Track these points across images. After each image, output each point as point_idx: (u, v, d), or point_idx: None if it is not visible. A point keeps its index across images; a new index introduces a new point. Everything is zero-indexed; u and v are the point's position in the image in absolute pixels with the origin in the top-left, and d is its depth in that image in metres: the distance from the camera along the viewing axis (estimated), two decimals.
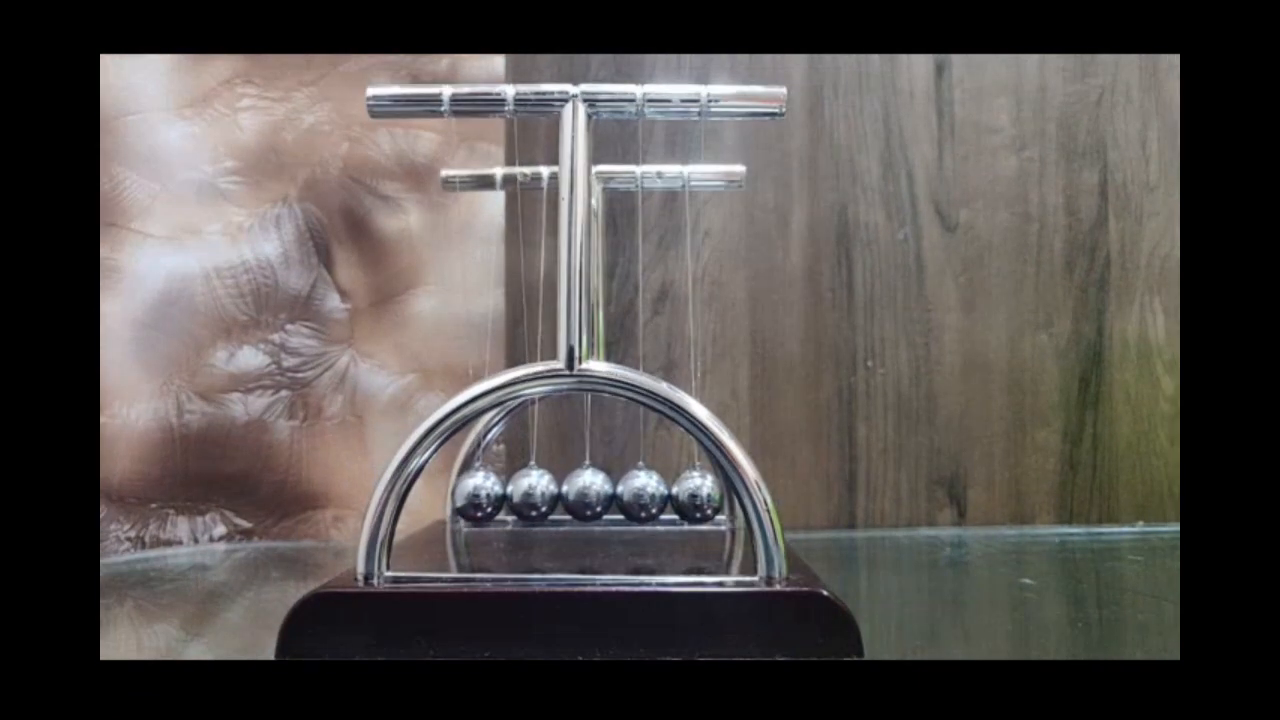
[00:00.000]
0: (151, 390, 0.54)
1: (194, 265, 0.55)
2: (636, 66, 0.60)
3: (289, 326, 0.56)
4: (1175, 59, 0.61)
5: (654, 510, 0.37)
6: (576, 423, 0.57)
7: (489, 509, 0.37)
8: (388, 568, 0.27)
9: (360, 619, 0.26)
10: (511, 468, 0.58)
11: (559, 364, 0.28)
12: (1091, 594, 0.43)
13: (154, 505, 0.54)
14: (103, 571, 0.46)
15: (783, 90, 0.31)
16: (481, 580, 0.28)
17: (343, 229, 0.57)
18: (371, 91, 0.32)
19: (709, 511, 0.37)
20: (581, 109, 0.30)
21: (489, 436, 0.43)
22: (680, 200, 0.59)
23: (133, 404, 0.54)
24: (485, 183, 0.45)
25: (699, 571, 0.30)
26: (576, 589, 0.27)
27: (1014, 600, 0.40)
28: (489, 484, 0.37)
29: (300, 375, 0.56)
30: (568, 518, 0.38)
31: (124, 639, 0.34)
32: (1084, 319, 0.61)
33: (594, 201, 0.32)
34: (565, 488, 0.37)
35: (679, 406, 0.27)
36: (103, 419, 0.53)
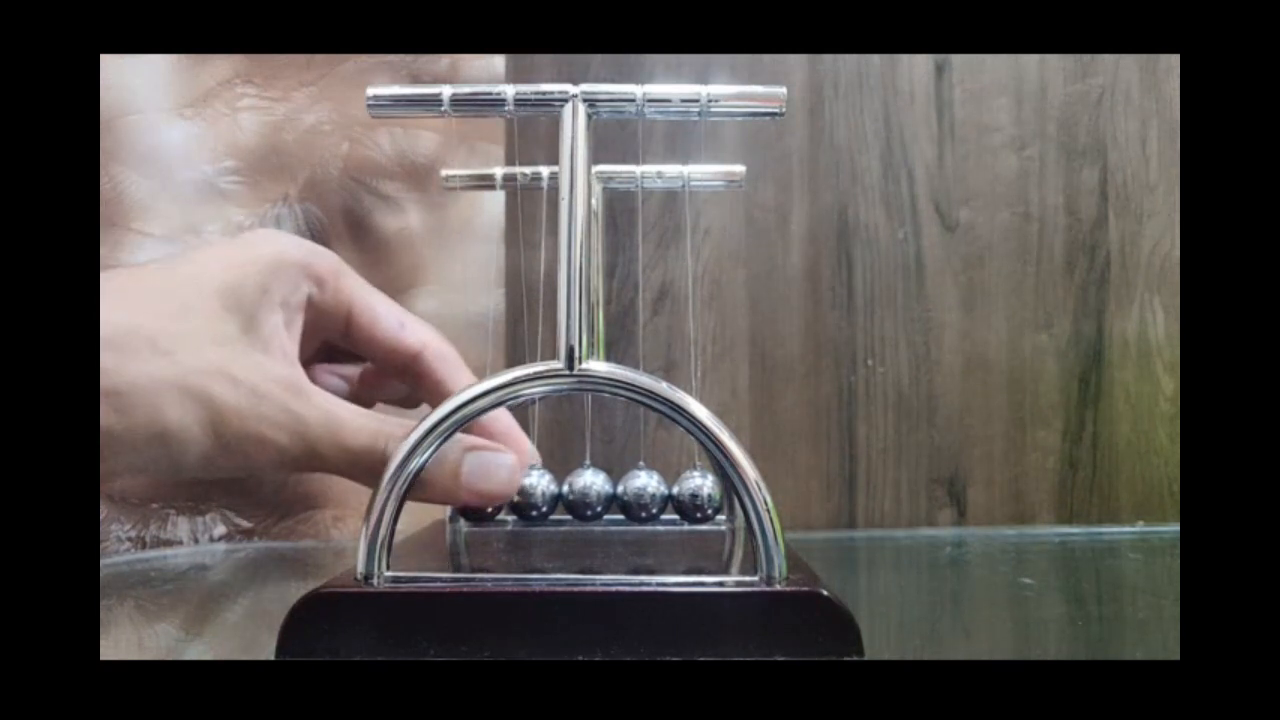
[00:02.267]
0: None
1: None
2: (636, 66, 0.60)
3: None
4: (1175, 59, 0.61)
5: (654, 510, 0.37)
6: (576, 423, 0.57)
7: (490, 509, 0.37)
8: (388, 568, 0.27)
9: (360, 619, 0.26)
10: None
11: (559, 364, 0.28)
12: (1091, 593, 0.43)
13: (154, 505, 0.54)
14: (103, 571, 0.46)
15: (783, 90, 0.31)
16: (481, 580, 0.28)
17: (343, 229, 0.57)
18: (371, 91, 0.31)
19: (709, 511, 0.37)
20: (581, 109, 0.30)
21: None
22: (680, 200, 0.59)
23: None
24: (485, 183, 0.44)
25: (699, 571, 0.30)
26: (576, 589, 0.27)
27: (1014, 600, 0.40)
28: None
29: None
30: (568, 518, 0.38)
31: (124, 639, 0.34)
32: (1084, 319, 0.61)
33: (594, 201, 0.32)
34: (565, 488, 0.37)
35: (679, 406, 0.27)
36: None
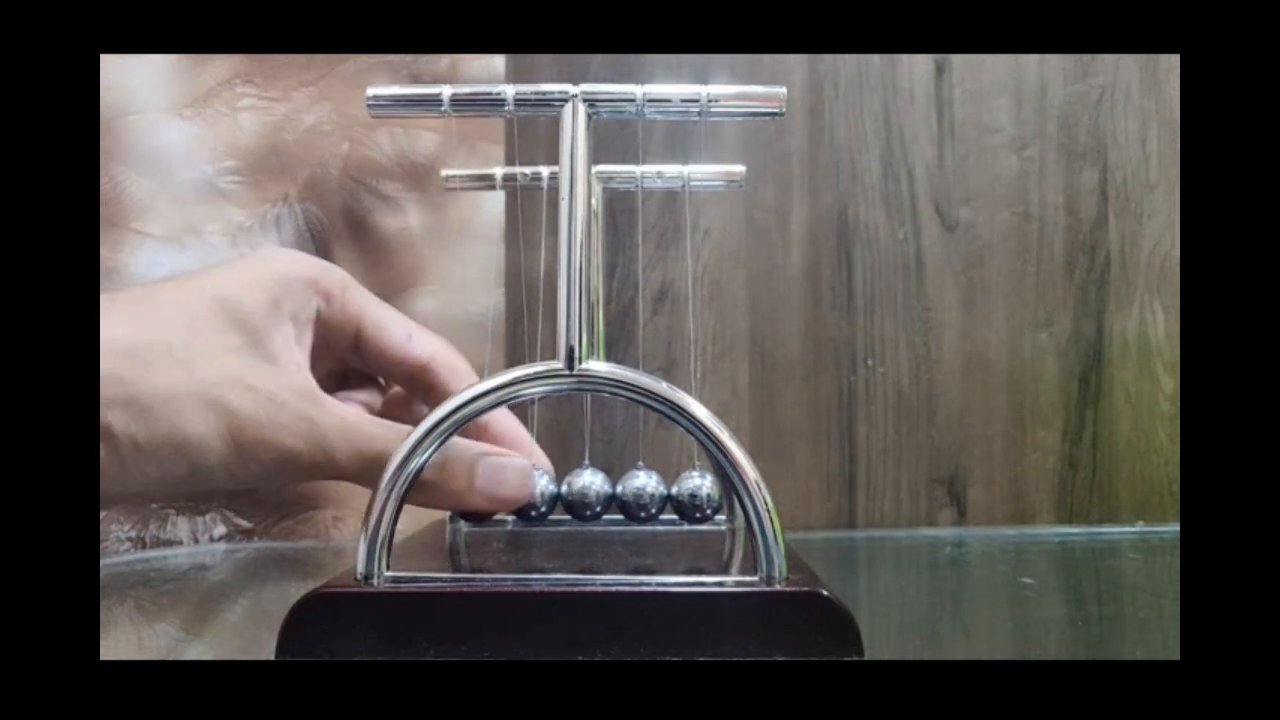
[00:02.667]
0: None
1: (194, 265, 0.55)
2: (636, 66, 0.60)
3: None
4: (1175, 59, 0.61)
5: (654, 510, 0.37)
6: (576, 423, 0.57)
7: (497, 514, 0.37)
8: (388, 568, 0.27)
9: (360, 619, 0.26)
10: None
11: (559, 364, 0.28)
12: (1091, 593, 0.43)
13: (154, 505, 0.54)
14: (103, 571, 0.46)
15: (783, 90, 0.31)
16: (481, 580, 0.28)
17: (343, 229, 0.57)
18: (371, 91, 0.31)
19: (708, 511, 0.37)
20: (581, 109, 0.30)
21: None
22: (680, 200, 0.59)
23: None
24: (485, 183, 0.44)
25: (699, 571, 0.30)
26: (576, 589, 0.27)
27: (1014, 600, 0.40)
28: None
29: None
30: (567, 518, 0.38)
31: (124, 639, 0.34)
32: (1084, 318, 0.61)
33: (594, 201, 0.32)
34: (565, 488, 0.37)
35: (679, 406, 0.27)
36: None
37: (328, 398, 0.32)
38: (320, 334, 0.34)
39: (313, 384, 0.32)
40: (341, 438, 0.31)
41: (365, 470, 0.31)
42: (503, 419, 0.37)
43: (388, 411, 0.39)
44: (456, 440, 0.31)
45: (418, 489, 0.31)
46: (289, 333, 0.32)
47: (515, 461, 0.32)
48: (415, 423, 0.38)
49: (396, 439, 0.31)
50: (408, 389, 0.37)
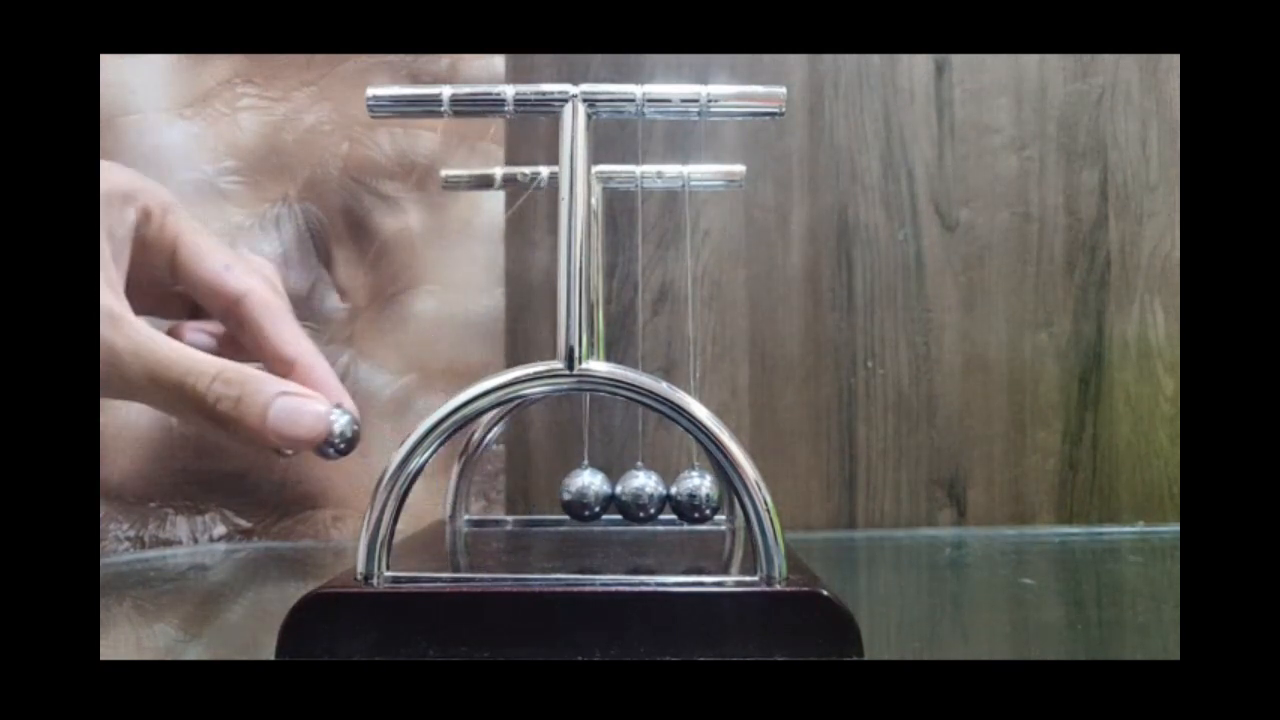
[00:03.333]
0: None
1: None
2: (636, 66, 0.60)
3: None
4: (1175, 59, 0.61)
5: (653, 510, 0.37)
6: (576, 423, 0.57)
7: (292, 452, 0.35)
8: (388, 568, 0.27)
9: (360, 619, 0.26)
10: (512, 468, 0.58)
11: (559, 364, 0.28)
12: (1091, 594, 0.43)
13: (153, 505, 0.54)
14: (102, 571, 0.46)
15: (783, 90, 0.31)
16: (481, 580, 0.28)
17: (343, 229, 0.57)
18: (371, 92, 0.32)
19: (707, 512, 0.37)
20: (581, 109, 0.30)
21: (489, 436, 0.43)
22: (680, 200, 0.59)
23: (133, 403, 0.54)
24: (485, 183, 0.45)
25: (699, 571, 0.30)
26: (576, 589, 0.27)
27: (1014, 600, 0.40)
28: None
29: None
30: (567, 518, 0.38)
31: (124, 639, 0.34)
32: (1084, 319, 0.61)
33: (594, 201, 0.32)
34: (564, 488, 0.37)
35: (679, 406, 0.27)
36: (102, 418, 0.53)
37: (133, 321, 0.31)
38: (137, 253, 0.34)
39: (119, 305, 0.31)
40: (134, 360, 0.30)
41: (157, 394, 0.30)
42: (310, 358, 0.36)
43: (221, 345, 0.38)
44: (257, 374, 0.30)
45: (214, 421, 0.31)
46: (104, 249, 0.32)
47: (312, 404, 0.31)
48: (231, 355, 0.37)
49: (194, 370, 0.30)
50: (224, 322, 0.37)
